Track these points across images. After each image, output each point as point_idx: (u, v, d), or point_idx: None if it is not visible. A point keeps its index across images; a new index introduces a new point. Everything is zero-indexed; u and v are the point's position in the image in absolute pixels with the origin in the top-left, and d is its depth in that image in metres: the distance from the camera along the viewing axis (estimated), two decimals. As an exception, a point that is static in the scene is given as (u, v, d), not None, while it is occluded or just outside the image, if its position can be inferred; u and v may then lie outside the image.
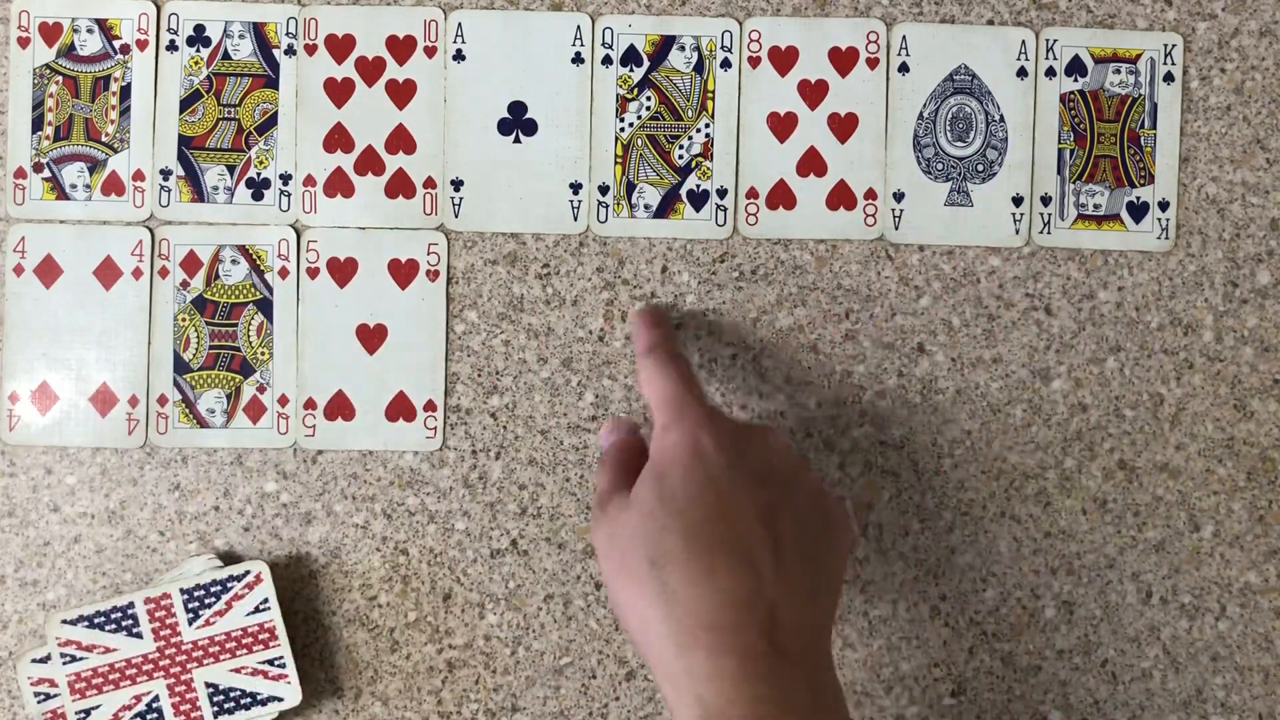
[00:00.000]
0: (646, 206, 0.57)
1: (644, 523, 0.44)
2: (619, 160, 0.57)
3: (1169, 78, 0.58)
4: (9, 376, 0.56)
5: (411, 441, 0.56)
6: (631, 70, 0.57)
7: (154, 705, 0.53)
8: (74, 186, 0.56)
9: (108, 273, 0.56)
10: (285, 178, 0.56)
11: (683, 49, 0.57)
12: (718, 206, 0.57)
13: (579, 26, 0.57)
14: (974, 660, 0.57)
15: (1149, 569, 0.57)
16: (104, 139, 0.56)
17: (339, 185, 0.57)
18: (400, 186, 0.57)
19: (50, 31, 0.56)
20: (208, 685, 0.53)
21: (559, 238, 0.57)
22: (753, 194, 0.57)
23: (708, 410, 0.47)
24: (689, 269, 0.57)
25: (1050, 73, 0.57)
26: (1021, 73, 0.57)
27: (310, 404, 0.56)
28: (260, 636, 0.53)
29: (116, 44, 0.56)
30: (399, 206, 0.57)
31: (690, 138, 0.57)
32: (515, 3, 0.57)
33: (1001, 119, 0.57)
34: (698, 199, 0.57)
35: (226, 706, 0.53)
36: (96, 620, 0.53)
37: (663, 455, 0.45)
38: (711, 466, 0.44)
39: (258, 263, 0.56)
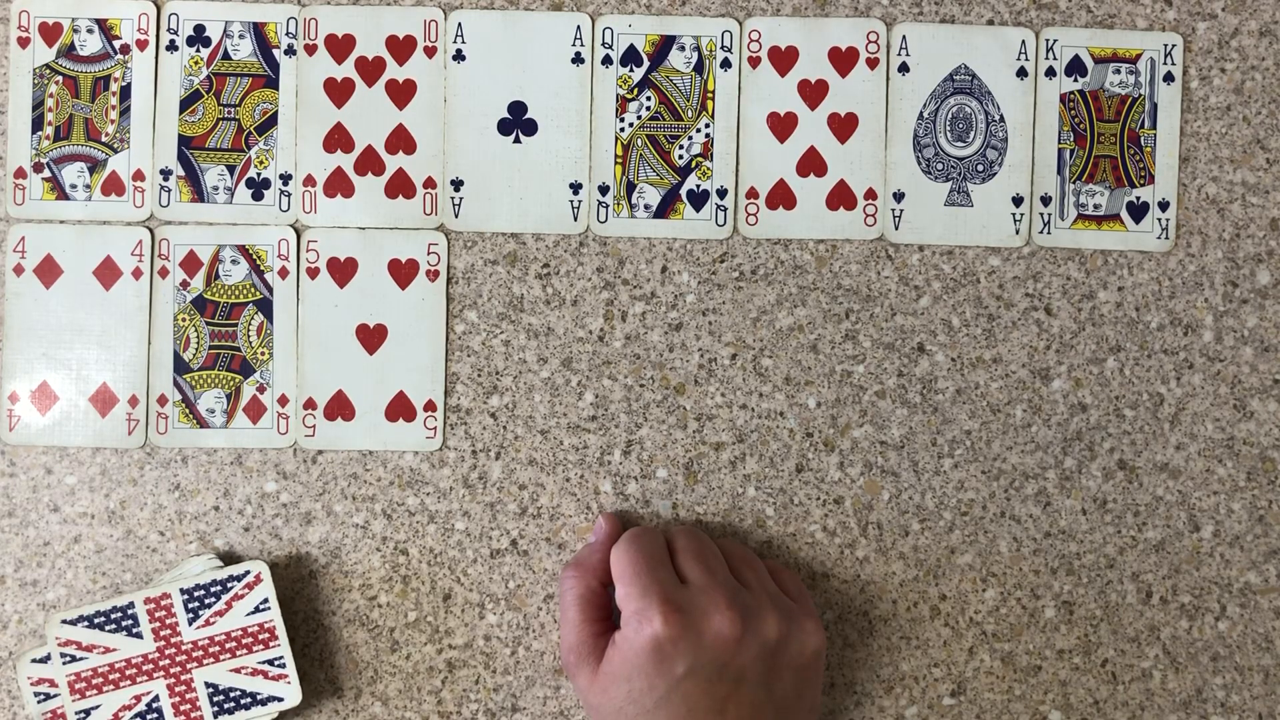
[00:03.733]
0: (646, 206, 0.57)
1: (618, 715, 0.50)
2: (619, 160, 0.57)
3: (1169, 78, 0.58)
4: (9, 376, 0.56)
5: (411, 441, 0.56)
6: (631, 70, 0.57)
7: (154, 705, 0.53)
8: (74, 186, 0.56)
9: (108, 273, 0.56)
10: (285, 178, 0.56)
11: (683, 49, 0.57)
12: (718, 206, 0.57)
13: (579, 26, 0.57)
14: (974, 660, 0.57)
15: (1149, 569, 0.57)
16: (104, 139, 0.56)
17: (339, 185, 0.57)
18: (400, 186, 0.57)
19: (50, 31, 0.56)
20: (208, 685, 0.53)
21: (559, 238, 0.57)
22: (753, 194, 0.57)
23: (672, 603, 0.49)
24: (689, 269, 0.57)
25: (1050, 73, 0.57)
26: (1021, 73, 0.57)
27: (310, 404, 0.56)
28: (260, 636, 0.53)
29: (116, 44, 0.56)
30: (399, 206, 0.57)
31: (690, 138, 0.57)
32: (515, 3, 0.57)
33: (1001, 119, 0.57)
34: (698, 199, 0.57)
35: (226, 706, 0.53)
36: (96, 620, 0.53)
37: (629, 652, 0.49)
38: (671, 674, 0.49)
39: (258, 263, 0.56)
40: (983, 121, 0.57)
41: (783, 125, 0.57)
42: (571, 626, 0.52)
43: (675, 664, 0.49)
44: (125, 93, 0.57)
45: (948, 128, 0.57)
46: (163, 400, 0.56)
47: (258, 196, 0.56)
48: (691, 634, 0.49)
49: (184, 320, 0.56)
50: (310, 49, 0.57)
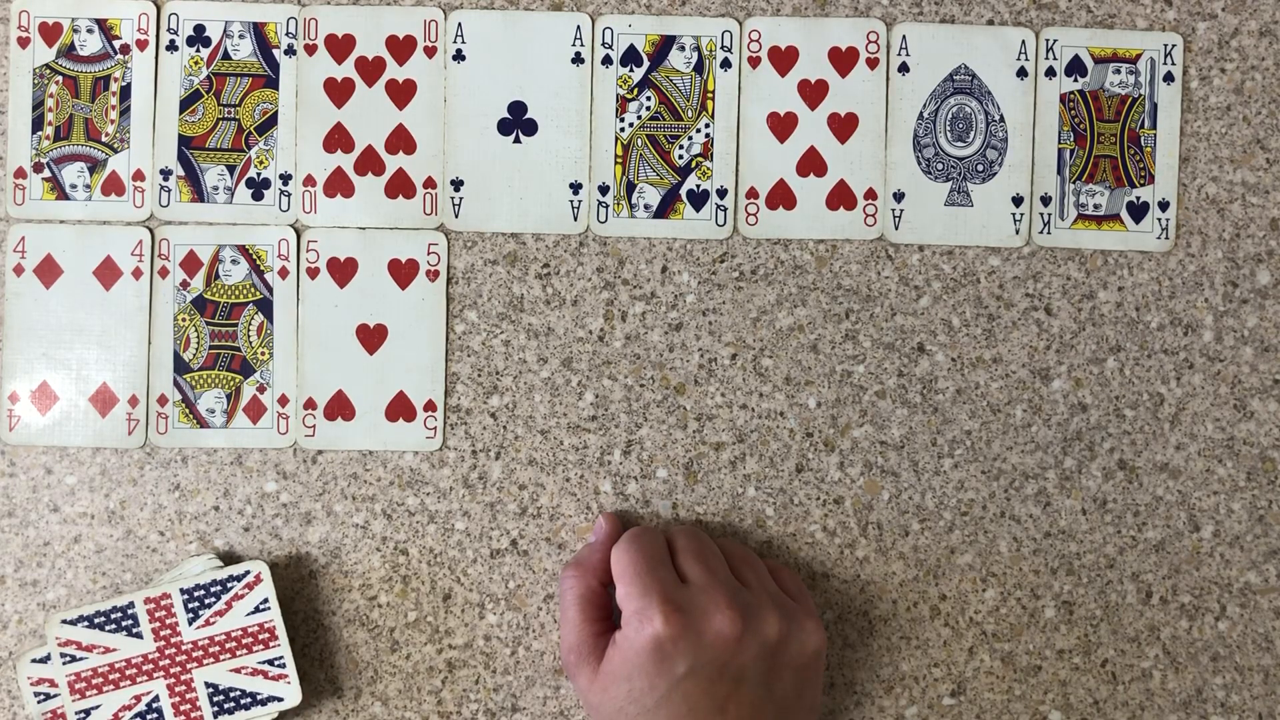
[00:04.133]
0: (646, 206, 0.57)
1: (618, 715, 0.50)
2: (619, 160, 0.57)
3: (1169, 78, 0.58)
4: (9, 376, 0.56)
5: (411, 441, 0.56)
6: (631, 70, 0.57)
7: (154, 705, 0.53)
8: (74, 186, 0.56)
9: (108, 273, 0.56)
10: (285, 178, 0.56)
11: (683, 49, 0.57)
12: (718, 206, 0.57)
13: (579, 26, 0.57)
14: (974, 660, 0.57)
15: (1149, 569, 0.57)
16: (104, 139, 0.56)
17: (339, 185, 0.57)
18: (400, 186, 0.57)
19: (50, 31, 0.56)
20: (208, 685, 0.53)
21: (559, 238, 0.57)
22: (753, 194, 0.57)
23: (673, 602, 0.49)
24: (689, 269, 0.57)
25: (1050, 73, 0.57)
26: (1021, 73, 0.57)
27: (310, 404, 0.56)
28: (260, 636, 0.53)
29: (116, 44, 0.56)
30: (399, 206, 0.57)
31: (690, 138, 0.57)
32: (515, 3, 0.57)
33: (1001, 119, 0.57)
34: (698, 199, 0.57)
35: (226, 706, 0.53)
36: (96, 620, 0.53)
37: (629, 651, 0.49)
38: (672, 674, 0.49)
39: (258, 263, 0.56)
40: (983, 121, 0.57)
41: (783, 125, 0.57)
42: (572, 626, 0.52)
43: (676, 663, 0.49)
44: (125, 93, 0.57)
45: (948, 128, 0.57)
46: (163, 400, 0.56)
47: (258, 196, 0.56)
48: (692, 633, 0.49)
49: (184, 320, 0.56)
50: (310, 49, 0.57)
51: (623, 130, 0.57)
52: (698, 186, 0.57)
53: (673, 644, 0.49)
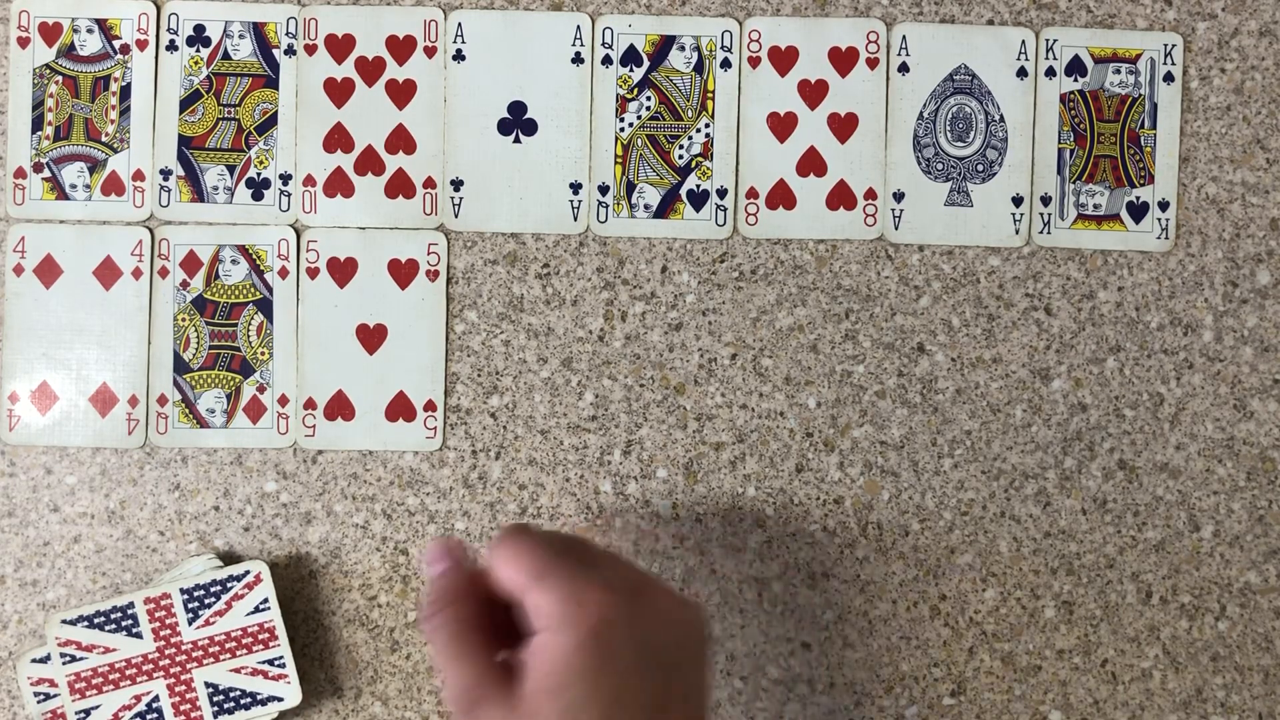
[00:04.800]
0: (646, 206, 0.57)
1: None
2: (619, 160, 0.57)
3: (1169, 78, 0.58)
4: (9, 376, 0.56)
5: (411, 441, 0.56)
6: (631, 70, 0.57)
7: (154, 705, 0.53)
8: (74, 186, 0.56)
9: (108, 273, 0.56)
10: (285, 178, 0.56)
11: (683, 49, 0.57)
12: (718, 206, 0.57)
13: (579, 26, 0.57)
14: (974, 660, 0.57)
15: (1149, 569, 0.57)
16: (104, 139, 0.56)
17: (339, 185, 0.57)
18: (400, 186, 0.57)
19: (50, 31, 0.56)
20: (208, 685, 0.53)
21: (559, 238, 0.57)
22: (753, 194, 0.57)
23: (603, 585, 0.43)
24: (689, 269, 0.57)
25: (1050, 73, 0.57)
26: (1021, 73, 0.57)
27: (310, 404, 0.56)
28: (260, 636, 0.53)
29: (116, 44, 0.56)
30: (399, 206, 0.57)
31: (690, 138, 0.57)
32: (515, 3, 0.57)
33: (1001, 119, 0.57)
34: (698, 199, 0.57)
35: (226, 706, 0.53)
36: (96, 620, 0.53)
37: (559, 658, 0.42)
38: (615, 667, 0.43)
39: (258, 263, 0.56)
40: (983, 121, 0.57)
41: (783, 125, 0.57)
42: (461, 663, 0.44)
43: (620, 653, 0.43)
44: (125, 93, 0.57)
45: (948, 128, 0.57)
46: (163, 400, 0.56)
47: (258, 196, 0.56)
48: (631, 615, 0.43)
49: (184, 320, 0.56)
50: (310, 49, 0.57)
51: (623, 130, 0.57)
52: (698, 186, 0.57)
53: (611, 629, 0.43)
